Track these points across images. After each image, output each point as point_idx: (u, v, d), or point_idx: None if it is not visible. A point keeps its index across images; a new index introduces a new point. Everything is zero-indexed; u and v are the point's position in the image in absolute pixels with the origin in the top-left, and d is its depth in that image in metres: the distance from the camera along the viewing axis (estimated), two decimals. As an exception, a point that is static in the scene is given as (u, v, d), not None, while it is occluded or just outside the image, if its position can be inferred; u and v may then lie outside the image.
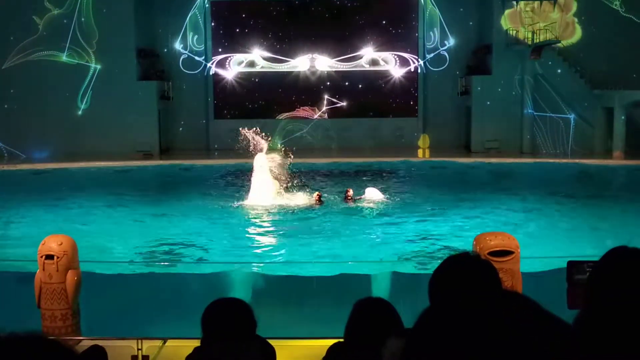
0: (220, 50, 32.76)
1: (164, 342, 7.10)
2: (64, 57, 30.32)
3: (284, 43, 32.53)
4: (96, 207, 18.67)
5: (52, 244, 7.92)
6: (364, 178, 24.04)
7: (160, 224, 16.74)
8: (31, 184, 23.66)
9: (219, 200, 19.61)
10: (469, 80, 31.23)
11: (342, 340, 3.36)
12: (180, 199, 20.13)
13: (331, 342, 3.76)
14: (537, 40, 29.54)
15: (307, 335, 7.53)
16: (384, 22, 32.64)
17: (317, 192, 19.11)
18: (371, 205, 18.52)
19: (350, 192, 19.09)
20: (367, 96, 32.73)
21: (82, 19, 30.15)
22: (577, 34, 30.77)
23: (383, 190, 20.02)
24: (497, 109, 30.28)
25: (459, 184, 22.93)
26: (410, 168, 26.84)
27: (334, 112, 32.93)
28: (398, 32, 32.71)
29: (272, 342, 4.22)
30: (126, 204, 19.13)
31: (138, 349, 6.67)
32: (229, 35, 32.68)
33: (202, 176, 25.39)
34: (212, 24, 32.64)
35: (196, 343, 3.74)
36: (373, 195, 19.26)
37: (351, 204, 18.48)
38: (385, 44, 32.55)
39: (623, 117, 27.82)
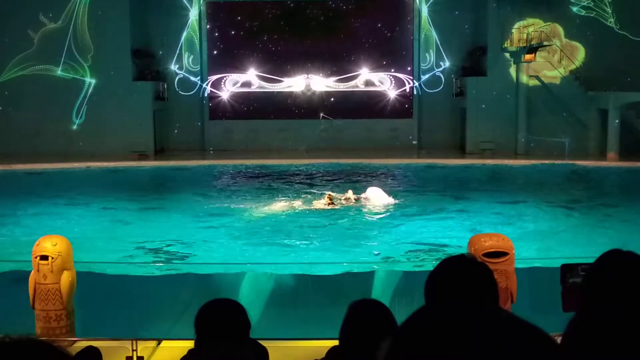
0: (215, 57, 32.67)
1: (159, 343, 7.10)
2: (58, 72, 30.33)
3: (280, 60, 32.46)
4: (91, 208, 18.65)
5: (47, 244, 7.90)
6: (359, 179, 24.05)
7: (155, 224, 16.72)
8: (26, 184, 23.60)
9: (215, 202, 19.60)
10: (464, 81, 31.27)
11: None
12: (177, 200, 20.11)
13: (324, 342, 3.76)
14: (532, 42, 29.58)
15: (300, 337, 7.54)
16: (379, 40, 32.64)
17: (328, 194, 18.88)
18: (372, 205, 18.40)
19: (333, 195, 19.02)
20: (362, 99, 32.80)
21: (77, 33, 30.14)
22: (581, 50, 30.79)
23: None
24: (492, 110, 30.34)
25: (453, 185, 22.96)
26: (406, 169, 26.86)
27: (328, 113, 32.88)
28: (393, 51, 32.76)
29: (264, 343, 4.23)
30: (121, 205, 19.10)
31: (133, 350, 6.66)
32: (223, 51, 32.58)
33: (197, 177, 25.37)
34: (207, 26, 32.58)
35: (191, 344, 3.73)
36: (375, 194, 19.04)
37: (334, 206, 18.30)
38: (381, 64, 32.59)
39: (617, 120, 27.87)
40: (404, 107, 32.94)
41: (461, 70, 31.98)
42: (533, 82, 30.45)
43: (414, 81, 32.66)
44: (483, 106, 30.46)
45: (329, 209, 17.94)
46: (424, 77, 32.57)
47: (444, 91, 32.23)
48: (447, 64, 32.24)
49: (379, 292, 10.04)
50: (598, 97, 29.14)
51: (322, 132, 32.35)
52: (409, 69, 32.76)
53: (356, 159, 28.03)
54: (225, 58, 32.62)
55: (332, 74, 32.54)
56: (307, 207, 18.24)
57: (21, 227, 16.03)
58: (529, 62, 29.96)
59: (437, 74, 32.45)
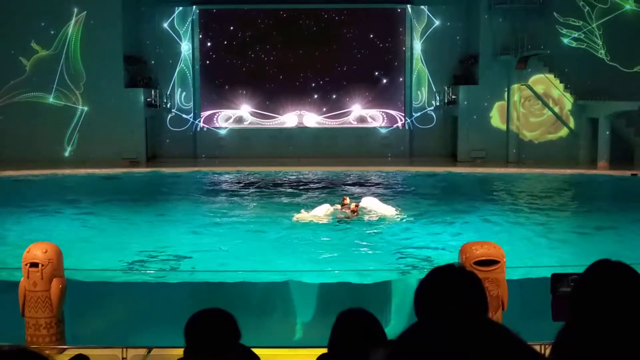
0: (208, 66, 32.67)
1: (149, 351, 7.08)
2: (50, 99, 30.29)
3: (272, 70, 32.55)
4: (82, 215, 18.56)
5: (37, 251, 7.87)
6: (353, 187, 24.05)
7: (147, 232, 16.64)
8: (16, 191, 23.47)
9: (209, 208, 19.54)
10: (456, 90, 31.37)
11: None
12: (168, 207, 20.04)
13: (314, 351, 3.76)
14: (524, 51, 29.66)
15: (292, 345, 7.54)
16: (372, 77, 32.82)
17: (354, 203, 18.03)
18: (368, 214, 18.25)
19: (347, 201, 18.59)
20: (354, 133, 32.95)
21: (70, 60, 30.11)
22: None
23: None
24: (484, 119, 30.45)
25: (444, 194, 22.97)
26: (397, 177, 26.90)
27: (320, 120, 32.97)
28: (386, 88, 32.91)
29: (257, 351, 4.22)
30: (112, 212, 19.02)
31: (123, 358, 6.65)
32: (215, 62, 32.60)
33: (189, 183, 25.31)
34: (200, 35, 32.59)
35: (181, 352, 3.73)
36: (371, 203, 18.87)
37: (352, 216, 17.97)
38: (373, 101, 32.75)
39: (608, 132, 27.96)
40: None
41: (453, 79, 32.09)
42: (524, 91, 30.57)
43: (406, 118, 32.83)
44: (474, 113, 30.57)
45: (346, 219, 17.63)
46: (415, 115, 32.77)
47: (435, 124, 32.51)
48: (438, 102, 32.44)
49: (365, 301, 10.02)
50: (588, 106, 29.29)
51: (314, 139, 32.36)
52: (400, 106, 32.93)
53: (347, 167, 28.03)
54: (217, 71, 32.58)
55: (325, 108, 32.65)
56: (328, 216, 17.95)
57: (11, 234, 15.94)
58: (520, 70, 30.09)
59: (428, 112, 32.65)
